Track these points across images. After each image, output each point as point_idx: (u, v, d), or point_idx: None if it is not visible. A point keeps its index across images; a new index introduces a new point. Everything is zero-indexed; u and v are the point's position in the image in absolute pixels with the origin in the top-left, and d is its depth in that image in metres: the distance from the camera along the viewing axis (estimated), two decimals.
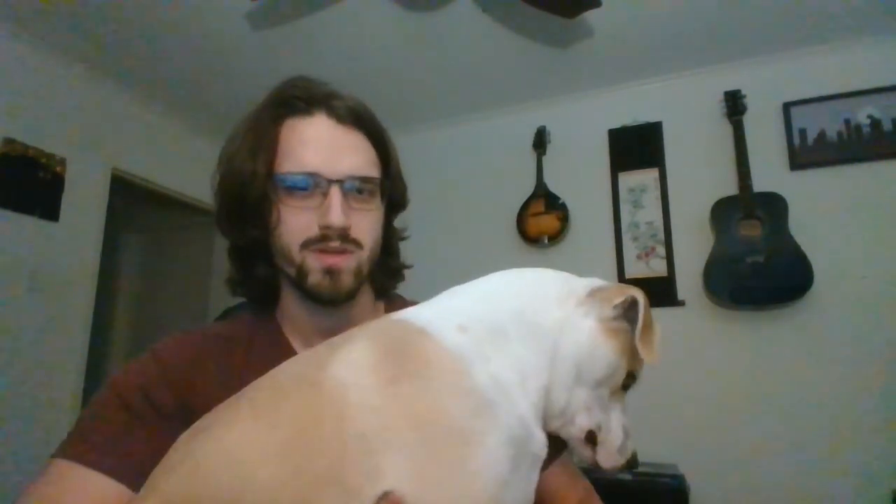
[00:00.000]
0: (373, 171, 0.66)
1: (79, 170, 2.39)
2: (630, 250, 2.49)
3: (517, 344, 0.50)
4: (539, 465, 0.48)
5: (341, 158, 0.63)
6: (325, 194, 0.62)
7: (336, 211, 0.61)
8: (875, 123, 2.17)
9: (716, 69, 2.46)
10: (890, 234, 2.09)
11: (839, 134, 2.23)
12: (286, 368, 0.48)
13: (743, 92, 2.35)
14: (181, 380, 0.59)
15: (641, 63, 2.47)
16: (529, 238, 2.65)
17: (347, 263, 0.63)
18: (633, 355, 0.53)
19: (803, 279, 2.08)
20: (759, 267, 2.14)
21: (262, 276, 0.68)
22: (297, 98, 0.65)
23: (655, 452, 2.22)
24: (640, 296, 0.53)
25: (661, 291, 2.39)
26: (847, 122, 2.22)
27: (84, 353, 2.40)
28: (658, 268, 2.43)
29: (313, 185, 0.61)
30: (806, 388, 2.10)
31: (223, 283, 0.71)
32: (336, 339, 0.49)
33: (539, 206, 2.65)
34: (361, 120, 0.68)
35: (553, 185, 2.64)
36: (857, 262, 2.11)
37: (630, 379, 0.55)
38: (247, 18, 2.13)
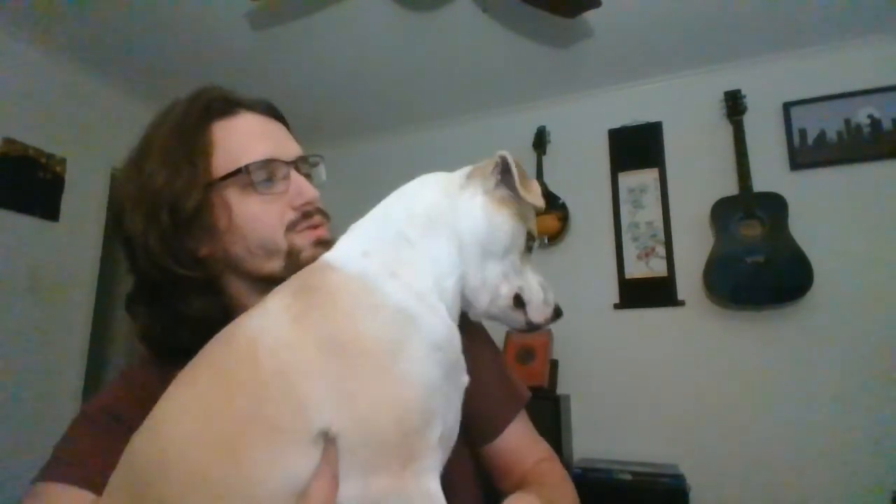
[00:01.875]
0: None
1: (79, 170, 2.40)
2: (630, 250, 2.49)
3: (423, 245, 0.53)
4: (464, 372, 0.50)
5: (286, 143, 0.65)
6: (286, 178, 0.62)
7: (309, 186, 0.63)
8: (875, 123, 2.17)
9: (716, 69, 2.46)
10: (890, 234, 2.09)
11: (839, 134, 2.23)
12: (213, 338, 0.49)
13: (743, 92, 2.35)
14: (148, 394, 0.54)
15: (641, 63, 2.47)
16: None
17: (328, 234, 0.64)
18: (525, 217, 0.58)
19: (803, 279, 2.08)
20: (759, 267, 2.14)
21: (200, 310, 0.59)
22: (216, 99, 0.64)
23: (655, 452, 2.22)
24: (507, 154, 0.57)
25: (661, 291, 2.38)
26: (847, 122, 2.22)
27: (84, 353, 2.40)
28: (658, 268, 2.43)
29: (275, 171, 0.61)
30: (806, 388, 2.10)
31: (137, 344, 0.61)
32: (261, 301, 0.50)
33: None
34: (275, 111, 0.69)
35: (553, 185, 2.64)
36: (857, 262, 2.11)
37: (530, 239, 0.59)
38: (247, 18, 2.14)
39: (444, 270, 0.53)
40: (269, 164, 0.61)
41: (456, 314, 0.55)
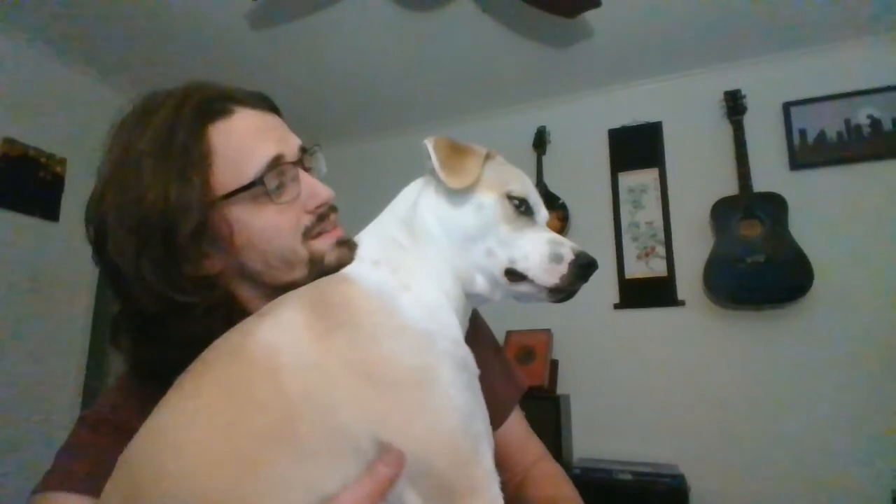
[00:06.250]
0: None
1: (79, 170, 2.39)
2: (630, 250, 2.49)
3: (414, 248, 0.53)
4: (476, 377, 0.49)
5: (288, 138, 0.59)
6: (294, 179, 0.56)
7: (322, 186, 0.59)
8: (875, 123, 2.17)
9: (716, 69, 2.46)
10: (890, 234, 2.09)
11: (839, 134, 2.22)
12: (212, 346, 0.47)
13: (743, 92, 2.35)
14: (146, 402, 0.50)
15: (641, 63, 2.47)
16: None
17: (344, 231, 0.61)
18: (493, 185, 0.56)
19: (803, 279, 2.08)
20: (759, 267, 2.13)
21: (205, 330, 0.52)
22: (209, 99, 0.56)
23: (655, 452, 2.22)
24: (426, 142, 0.57)
25: (661, 291, 2.38)
26: (847, 122, 2.21)
27: (84, 353, 2.40)
28: (658, 268, 2.43)
29: (285, 175, 0.56)
30: (805, 388, 2.10)
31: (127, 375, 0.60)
32: (265, 307, 0.48)
33: None
34: (269, 102, 0.63)
35: (553, 185, 2.64)
36: (857, 262, 2.11)
37: (520, 203, 0.56)
38: (247, 18, 2.13)
39: (438, 269, 0.53)
40: (278, 168, 0.54)
41: (466, 312, 0.55)
